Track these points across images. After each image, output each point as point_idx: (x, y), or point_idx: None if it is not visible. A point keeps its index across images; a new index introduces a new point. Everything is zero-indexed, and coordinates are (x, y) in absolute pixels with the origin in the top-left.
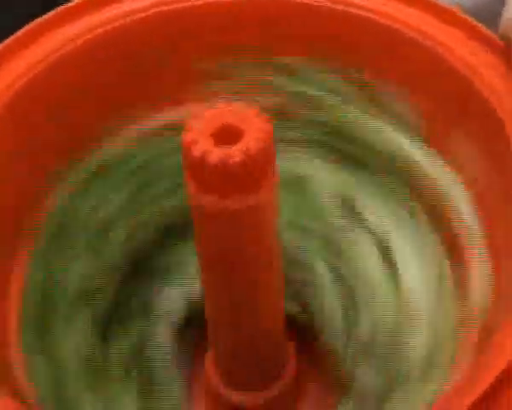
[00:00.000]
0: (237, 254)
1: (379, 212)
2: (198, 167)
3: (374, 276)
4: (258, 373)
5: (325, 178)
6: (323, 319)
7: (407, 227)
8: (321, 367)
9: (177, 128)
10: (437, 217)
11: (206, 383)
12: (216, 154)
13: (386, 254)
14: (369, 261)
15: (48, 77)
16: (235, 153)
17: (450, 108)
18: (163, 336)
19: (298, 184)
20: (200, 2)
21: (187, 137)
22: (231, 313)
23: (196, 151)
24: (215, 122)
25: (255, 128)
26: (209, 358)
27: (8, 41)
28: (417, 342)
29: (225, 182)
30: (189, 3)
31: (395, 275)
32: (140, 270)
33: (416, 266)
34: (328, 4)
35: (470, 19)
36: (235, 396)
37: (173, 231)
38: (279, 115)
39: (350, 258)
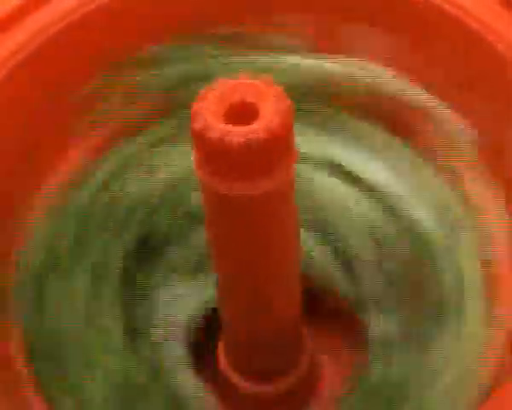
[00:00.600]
0: (257, 239)
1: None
2: (216, 151)
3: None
4: (273, 363)
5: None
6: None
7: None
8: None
9: None
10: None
11: (219, 374)
12: (237, 134)
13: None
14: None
15: None
16: (259, 131)
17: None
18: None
19: None
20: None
21: (198, 119)
22: (246, 303)
23: (214, 133)
24: (227, 99)
25: (273, 105)
26: (221, 348)
27: None
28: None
29: (251, 163)
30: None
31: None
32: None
33: (424, 205)
34: None
35: None
36: (246, 385)
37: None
38: None
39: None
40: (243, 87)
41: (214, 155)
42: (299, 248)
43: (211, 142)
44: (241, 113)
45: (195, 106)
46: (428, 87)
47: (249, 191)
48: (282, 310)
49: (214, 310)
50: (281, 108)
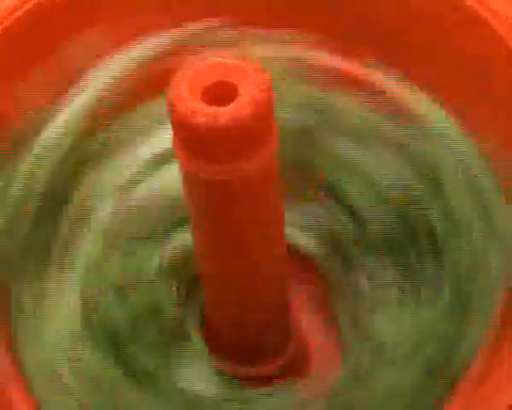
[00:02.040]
0: (230, 224)
1: None
2: (182, 128)
3: None
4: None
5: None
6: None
7: None
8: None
9: None
10: None
11: None
12: (202, 114)
13: None
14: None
15: None
16: (223, 115)
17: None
18: None
19: None
20: None
21: (173, 92)
22: (236, 290)
23: (181, 109)
24: (208, 77)
25: (251, 88)
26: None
27: None
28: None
29: (213, 146)
30: None
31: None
32: None
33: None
34: None
35: None
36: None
37: None
38: None
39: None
40: (218, 67)
41: (201, 139)
42: (284, 229)
43: (198, 127)
44: (221, 93)
45: (173, 91)
46: None
47: (237, 172)
48: (269, 296)
49: None
50: (261, 81)
